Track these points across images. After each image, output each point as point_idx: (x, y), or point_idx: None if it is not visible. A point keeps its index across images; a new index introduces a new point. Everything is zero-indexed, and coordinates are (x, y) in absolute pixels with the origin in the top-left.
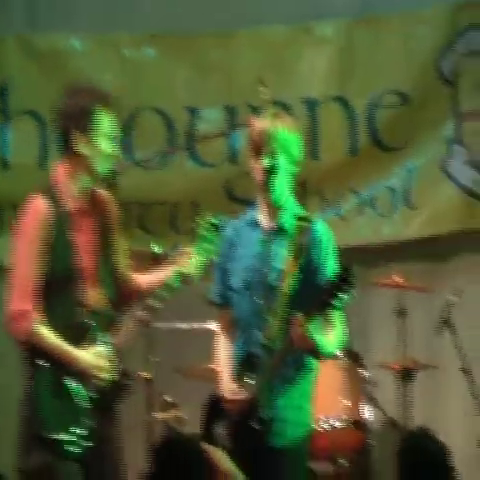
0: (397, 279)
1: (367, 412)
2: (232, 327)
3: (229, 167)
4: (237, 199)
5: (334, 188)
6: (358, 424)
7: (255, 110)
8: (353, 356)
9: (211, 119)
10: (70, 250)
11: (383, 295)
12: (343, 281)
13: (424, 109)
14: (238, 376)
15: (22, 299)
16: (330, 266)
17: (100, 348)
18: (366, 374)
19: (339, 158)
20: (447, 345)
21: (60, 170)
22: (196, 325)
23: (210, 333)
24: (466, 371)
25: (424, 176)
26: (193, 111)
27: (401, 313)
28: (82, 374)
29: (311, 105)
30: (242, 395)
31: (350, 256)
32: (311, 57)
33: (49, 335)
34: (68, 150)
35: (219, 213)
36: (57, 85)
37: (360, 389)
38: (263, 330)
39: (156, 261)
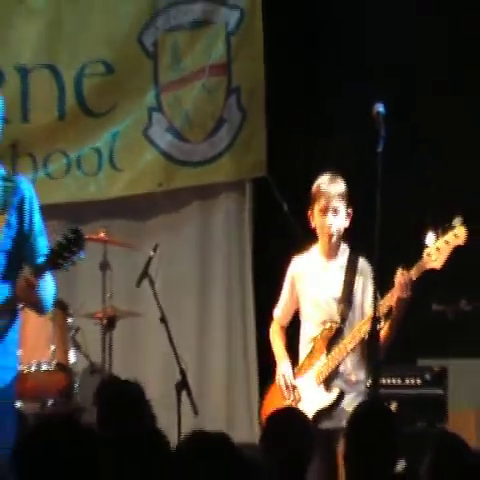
0: (102, 235)
1: (72, 357)
2: None
3: None
4: None
5: (44, 150)
6: (64, 367)
7: None
8: (61, 305)
9: None
10: None
11: (89, 250)
12: (73, 244)
13: (127, 79)
14: None
15: None
16: (38, 220)
17: None
18: (72, 322)
19: (48, 122)
20: (147, 296)
21: None
22: None
23: None
24: (163, 319)
25: (127, 140)
26: None
27: (105, 266)
28: None
29: (22, 72)
30: None
31: (59, 213)
32: (22, 27)
33: None
34: None
35: None
36: None
37: (67, 336)
38: None
39: None
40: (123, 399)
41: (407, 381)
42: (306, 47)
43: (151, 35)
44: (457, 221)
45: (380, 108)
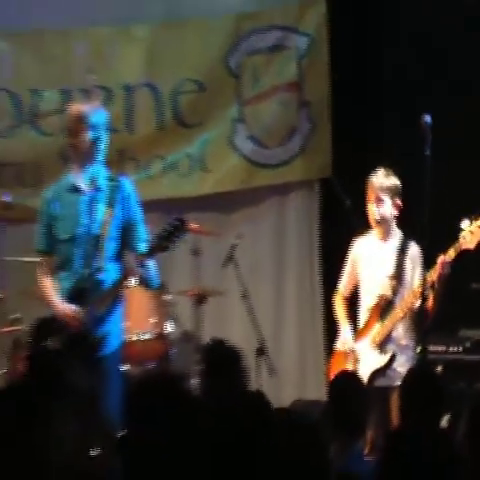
0: (193, 226)
1: (169, 327)
2: (54, 268)
3: (63, 137)
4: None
5: (145, 155)
6: (162, 336)
7: (86, 93)
8: (160, 285)
9: (50, 98)
10: None
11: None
12: (178, 229)
13: (215, 95)
14: (70, 301)
15: None
16: (138, 214)
17: None
18: (169, 299)
19: (149, 132)
20: (230, 277)
21: None
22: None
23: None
24: (245, 297)
25: (215, 147)
26: (38, 92)
27: (196, 252)
28: None
29: (127, 90)
30: (79, 314)
31: (159, 207)
32: (128, 52)
33: None
34: None
35: (55, 172)
36: None
37: (164, 310)
38: (90, 267)
39: (7, 208)
40: (227, 359)
41: (451, 348)
42: (369, 65)
43: (235, 58)
44: None
45: (427, 119)
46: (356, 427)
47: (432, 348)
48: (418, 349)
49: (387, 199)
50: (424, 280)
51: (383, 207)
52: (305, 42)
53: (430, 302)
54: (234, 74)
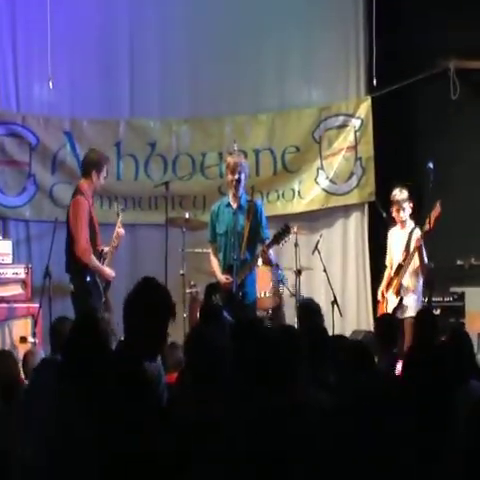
0: (294, 229)
1: (280, 289)
2: (218, 252)
3: (221, 178)
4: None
5: (266, 189)
6: (276, 293)
7: (231, 154)
8: (276, 264)
9: (212, 157)
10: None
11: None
12: (284, 231)
13: (306, 154)
14: (225, 272)
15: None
16: (264, 222)
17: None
18: (280, 272)
19: (268, 176)
20: (317, 260)
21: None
22: None
23: None
24: (325, 271)
25: (307, 184)
26: (204, 154)
27: (296, 244)
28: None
29: (256, 152)
30: (230, 282)
31: (275, 219)
32: (256, 130)
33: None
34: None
35: (214, 200)
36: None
37: (277, 278)
38: (236, 252)
39: (186, 221)
40: (314, 308)
41: (445, 299)
42: (402, 134)
43: (318, 133)
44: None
45: (430, 165)
46: (393, 342)
47: (433, 299)
48: (426, 299)
49: (406, 206)
50: (422, 256)
51: (404, 212)
52: (359, 123)
53: (419, 263)
54: (317, 141)
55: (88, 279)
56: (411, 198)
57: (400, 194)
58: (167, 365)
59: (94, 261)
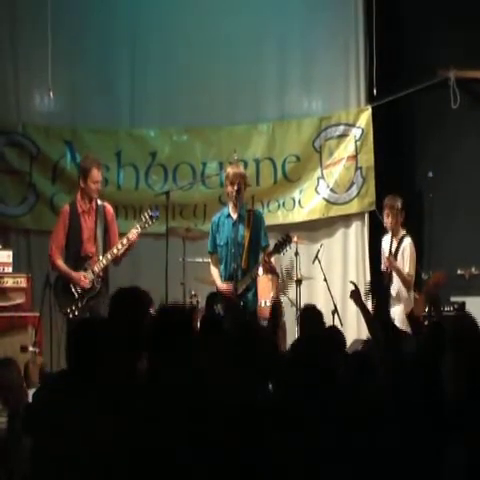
0: (295, 239)
1: (280, 298)
2: (218, 263)
3: (222, 188)
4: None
5: (267, 199)
6: (277, 303)
7: (231, 163)
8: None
9: (212, 167)
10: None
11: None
12: (285, 241)
13: (307, 163)
14: (225, 282)
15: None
16: (263, 231)
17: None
18: (281, 282)
19: (269, 185)
20: (317, 269)
21: None
22: None
23: None
24: (325, 280)
25: (307, 193)
26: (205, 164)
27: (296, 253)
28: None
29: (256, 162)
30: (231, 289)
31: (275, 228)
32: (256, 139)
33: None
34: None
35: (214, 210)
36: None
37: (278, 286)
38: (237, 262)
39: (188, 231)
40: (316, 315)
41: (446, 308)
42: (402, 144)
43: (318, 142)
44: None
45: (430, 174)
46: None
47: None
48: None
49: (393, 214)
50: (410, 264)
51: (390, 219)
52: (359, 132)
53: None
54: (317, 151)
55: (57, 282)
56: (403, 206)
57: (389, 202)
58: None
59: (60, 266)
